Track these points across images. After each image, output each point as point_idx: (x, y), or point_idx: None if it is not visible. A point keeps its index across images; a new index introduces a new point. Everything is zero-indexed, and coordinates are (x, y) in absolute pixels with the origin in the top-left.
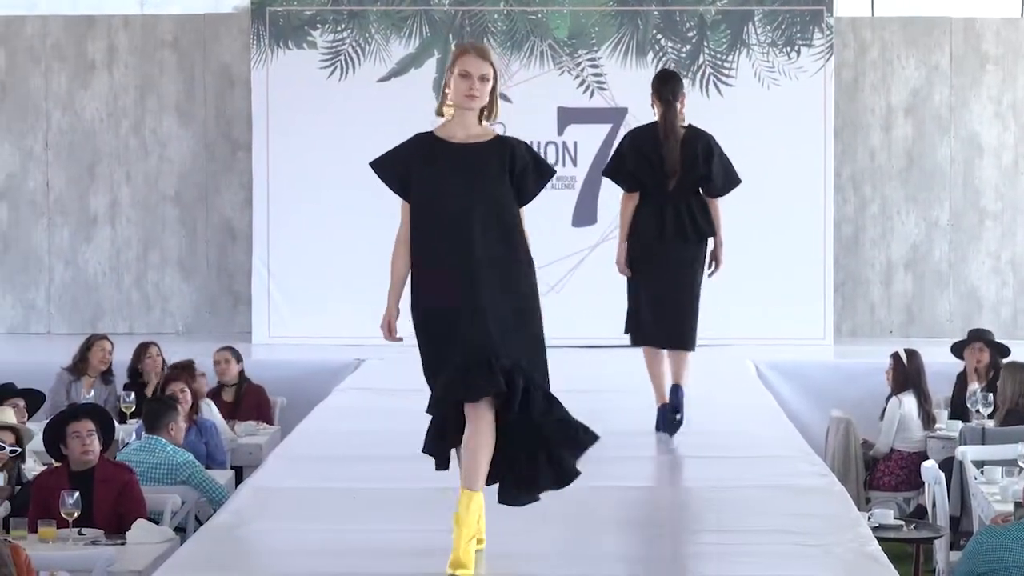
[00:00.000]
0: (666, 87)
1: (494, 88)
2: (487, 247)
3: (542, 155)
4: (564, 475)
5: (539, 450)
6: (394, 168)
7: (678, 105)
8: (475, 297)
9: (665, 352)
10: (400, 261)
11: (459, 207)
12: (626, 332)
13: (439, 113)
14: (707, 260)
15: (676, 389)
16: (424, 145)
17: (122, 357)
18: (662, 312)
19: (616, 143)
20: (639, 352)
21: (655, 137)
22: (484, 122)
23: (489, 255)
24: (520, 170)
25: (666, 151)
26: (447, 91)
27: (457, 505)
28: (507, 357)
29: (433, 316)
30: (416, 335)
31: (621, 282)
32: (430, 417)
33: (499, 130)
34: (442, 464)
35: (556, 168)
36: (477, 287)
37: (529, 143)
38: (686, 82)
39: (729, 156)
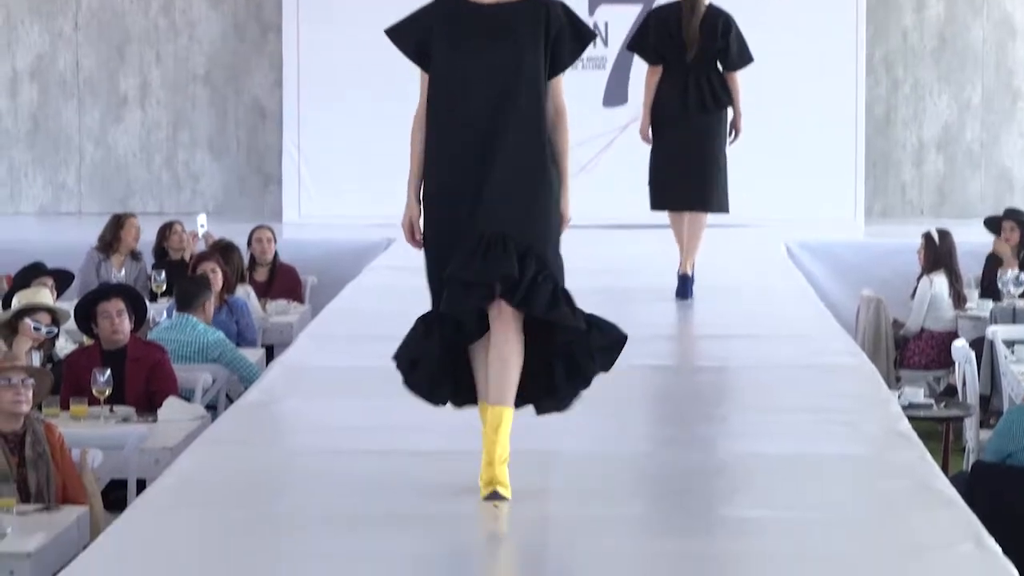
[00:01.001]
0: None
1: None
2: (511, 126)
3: None
4: (585, 377)
5: (557, 357)
6: (412, 35)
7: None
8: (491, 178)
9: (686, 219)
10: (419, 145)
11: (484, 79)
12: (652, 206)
13: None
14: (728, 130)
15: (684, 280)
16: (448, 8)
17: (154, 237)
18: (682, 176)
19: (642, 18)
20: (668, 233)
21: (678, 14)
22: None
23: (514, 137)
24: (556, 35)
25: (686, 25)
26: None
27: (484, 424)
28: (522, 243)
29: (444, 198)
30: (424, 223)
31: None
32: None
33: None
34: (444, 397)
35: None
36: (495, 168)
37: None
38: None
39: (762, 38)
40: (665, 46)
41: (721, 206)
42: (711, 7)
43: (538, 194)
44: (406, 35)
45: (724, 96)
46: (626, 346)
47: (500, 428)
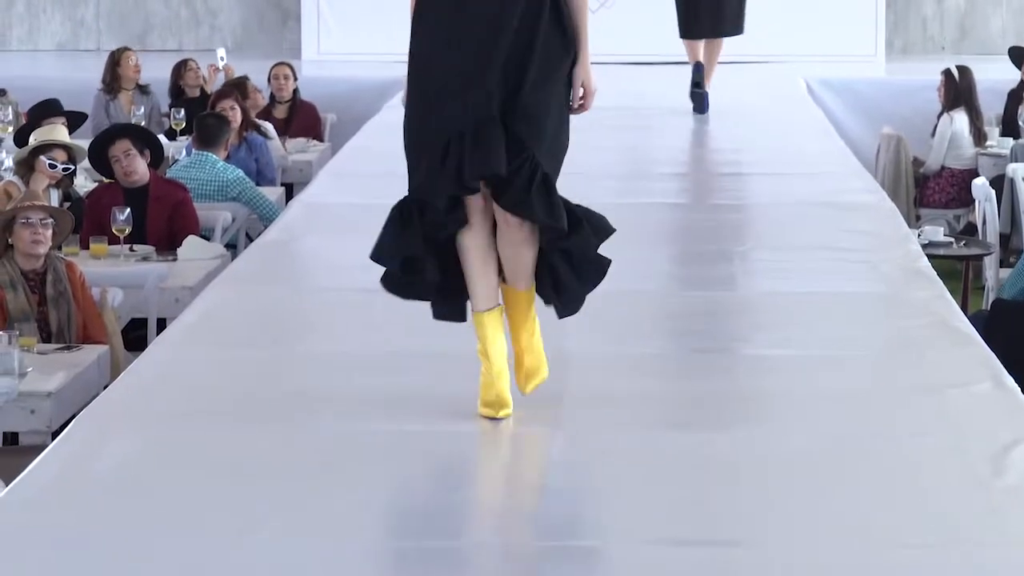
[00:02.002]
0: None
1: None
2: None
3: None
4: (590, 274)
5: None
6: None
7: None
8: (490, 44)
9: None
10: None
11: None
12: (681, 35)
13: None
14: None
15: (699, 67)
16: None
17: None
18: (703, 5)
19: None
20: (686, 69)
21: None
22: None
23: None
24: None
25: None
26: None
27: (512, 311)
28: (518, 133)
29: (431, 57)
30: (406, 91)
31: None
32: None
33: None
34: (450, 312)
35: None
36: (495, 32)
37: None
38: None
39: None
40: None
41: (737, 29)
42: None
43: (547, 69)
44: None
45: None
46: (645, 183)
47: (525, 306)
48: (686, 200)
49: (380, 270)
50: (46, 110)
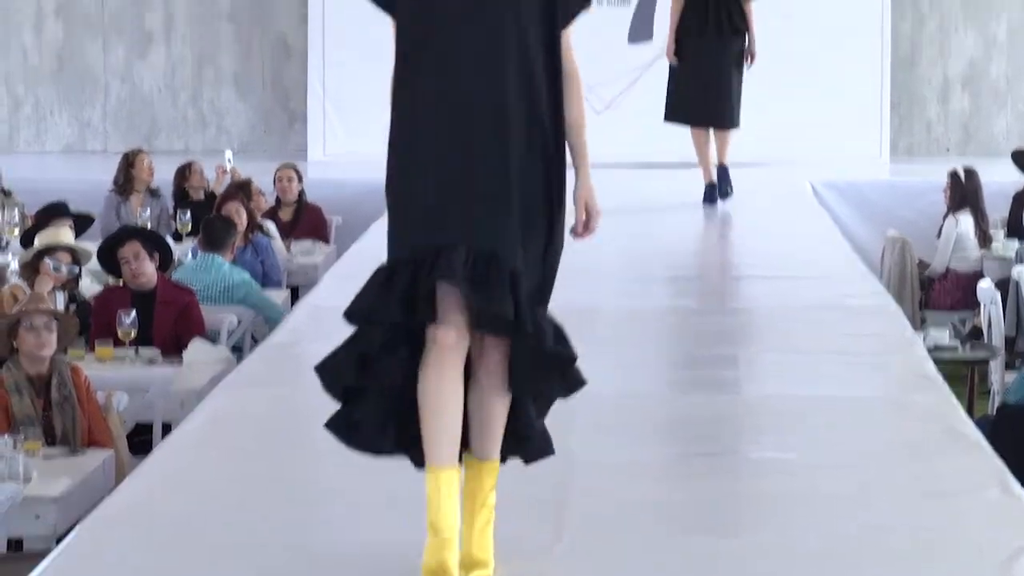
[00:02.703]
0: None
1: None
2: (512, 95)
3: None
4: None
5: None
6: None
7: None
8: (487, 171)
9: (711, 134)
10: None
11: (473, 31)
12: (665, 118)
13: None
14: (744, 55)
15: (723, 170)
16: None
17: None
18: (698, 92)
19: None
20: (692, 172)
21: None
22: None
23: (516, 109)
24: None
25: None
26: None
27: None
28: (517, 267)
29: (416, 190)
30: (393, 191)
31: None
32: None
33: None
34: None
35: None
36: (492, 155)
37: None
38: None
39: None
40: None
41: (732, 122)
42: None
43: (546, 194)
44: None
45: (740, 23)
46: (650, 286)
47: (488, 485)
48: (691, 303)
49: None
50: (53, 212)
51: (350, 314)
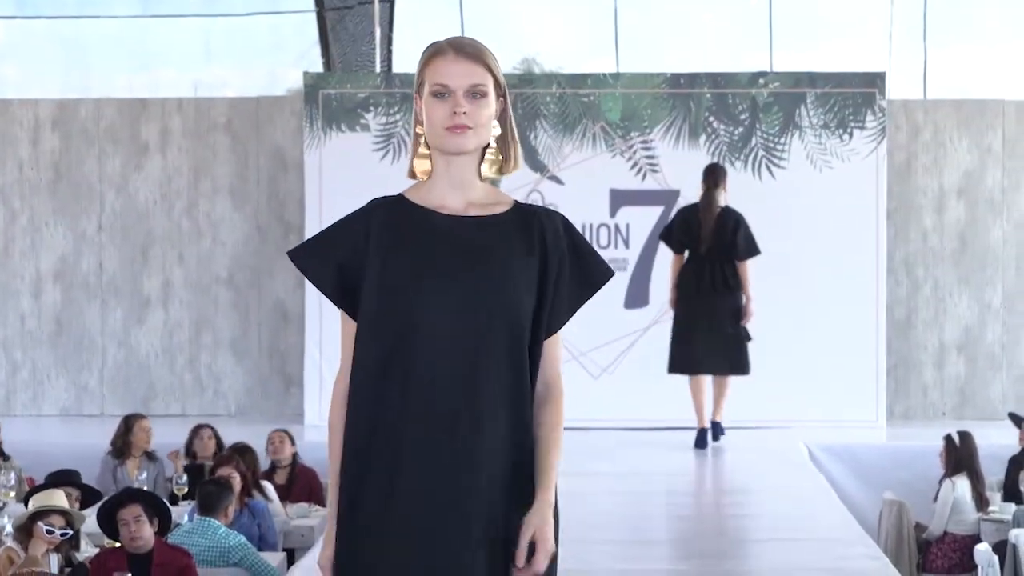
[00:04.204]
0: (709, 176)
1: (504, 113)
2: (487, 417)
3: (591, 240)
4: None
5: None
6: (332, 259)
7: (718, 190)
8: (454, 510)
9: (709, 382)
10: (340, 439)
11: (449, 332)
12: (668, 370)
13: (411, 174)
14: (743, 312)
15: (716, 425)
16: (387, 218)
17: (176, 439)
18: (697, 343)
19: (672, 216)
20: (689, 435)
21: (697, 212)
22: (492, 175)
23: (491, 435)
24: (556, 271)
25: (703, 222)
26: (419, 130)
27: None
28: None
29: (372, 523)
30: (338, 551)
31: None
32: None
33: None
34: None
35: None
36: (460, 492)
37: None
38: (739, 164)
39: (785, 239)
40: (686, 238)
41: (732, 368)
42: (726, 208)
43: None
44: (323, 260)
45: (733, 281)
46: (645, 549)
47: None
48: (686, 567)
49: None
50: (62, 480)
51: None
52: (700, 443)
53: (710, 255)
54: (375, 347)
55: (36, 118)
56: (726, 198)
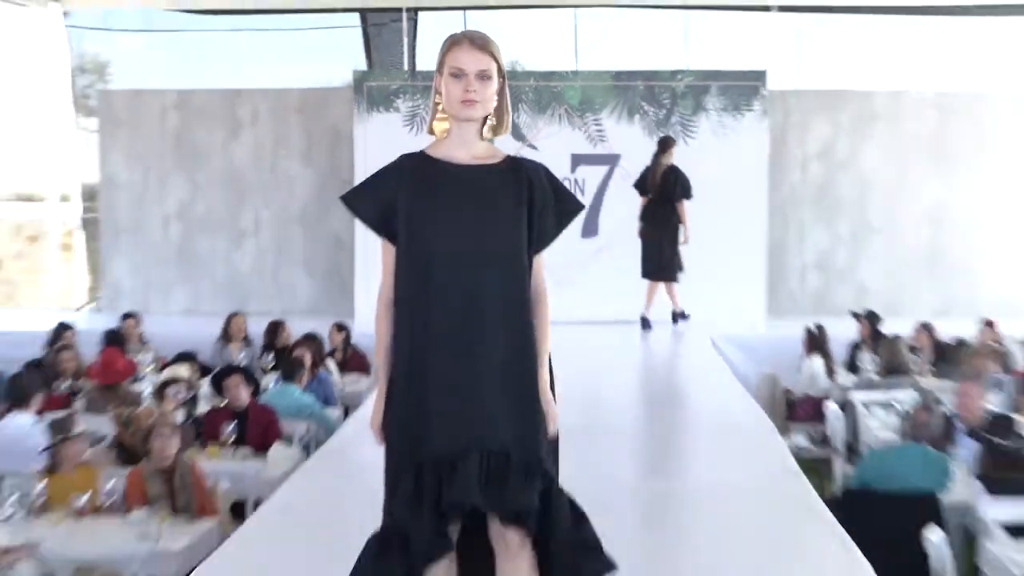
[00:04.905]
0: (659, 145)
1: (502, 91)
2: (495, 313)
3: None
4: None
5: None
6: (374, 199)
7: (665, 154)
8: (480, 379)
9: (660, 286)
10: (387, 333)
11: (462, 252)
12: (642, 276)
13: (430, 131)
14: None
15: (645, 320)
16: (415, 168)
17: (260, 330)
18: (653, 259)
19: (640, 172)
20: (629, 327)
21: (652, 169)
22: (489, 135)
23: (501, 325)
24: (539, 204)
25: (654, 176)
26: (437, 100)
27: None
28: (523, 458)
29: (417, 389)
30: (389, 409)
31: (618, 277)
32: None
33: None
34: None
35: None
36: (481, 365)
37: None
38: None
39: (693, 186)
40: (645, 186)
41: (671, 277)
42: (671, 166)
43: (532, 395)
44: (366, 200)
45: (674, 217)
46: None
47: None
48: (624, 420)
49: None
50: (186, 358)
51: (387, 527)
52: (645, 325)
53: (659, 198)
54: (407, 264)
55: (163, 103)
56: (670, 159)
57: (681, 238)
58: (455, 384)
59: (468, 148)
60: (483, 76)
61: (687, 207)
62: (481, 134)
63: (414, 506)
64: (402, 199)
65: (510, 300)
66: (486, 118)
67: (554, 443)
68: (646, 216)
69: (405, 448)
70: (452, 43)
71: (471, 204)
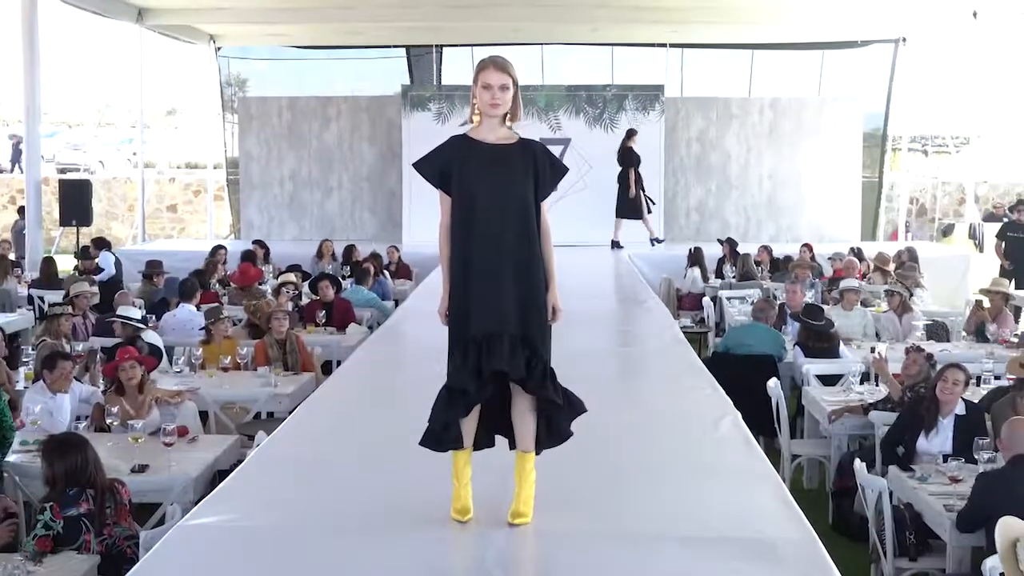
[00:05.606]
0: (627, 133)
1: (515, 95)
2: (515, 240)
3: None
4: (559, 437)
5: (540, 417)
6: (435, 166)
7: (630, 140)
8: (503, 284)
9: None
10: (447, 251)
11: (493, 201)
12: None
13: (470, 120)
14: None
15: (614, 243)
16: (461, 146)
17: (340, 250)
18: (620, 201)
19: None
20: (600, 249)
21: (621, 148)
22: (509, 123)
23: (517, 248)
24: (541, 170)
25: (621, 153)
26: (474, 101)
27: (518, 468)
28: (519, 336)
29: (466, 293)
30: (450, 307)
31: (578, 216)
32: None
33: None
34: (458, 442)
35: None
36: (505, 274)
37: None
38: (598, 128)
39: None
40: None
41: (626, 215)
42: (628, 147)
43: (535, 295)
44: (430, 166)
45: (629, 177)
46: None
47: (528, 467)
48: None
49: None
50: (294, 268)
51: (450, 382)
52: (614, 246)
53: (622, 166)
54: (459, 210)
55: (280, 105)
56: (631, 143)
57: (631, 191)
58: (488, 282)
59: (495, 133)
60: (503, 88)
61: (632, 174)
62: (502, 123)
63: (466, 368)
64: (455, 166)
65: (522, 232)
66: (506, 113)
67: (548, 329)
68: (619, 177)
69: (458, 327)
70: (483, 67)
71: (497, 170)
